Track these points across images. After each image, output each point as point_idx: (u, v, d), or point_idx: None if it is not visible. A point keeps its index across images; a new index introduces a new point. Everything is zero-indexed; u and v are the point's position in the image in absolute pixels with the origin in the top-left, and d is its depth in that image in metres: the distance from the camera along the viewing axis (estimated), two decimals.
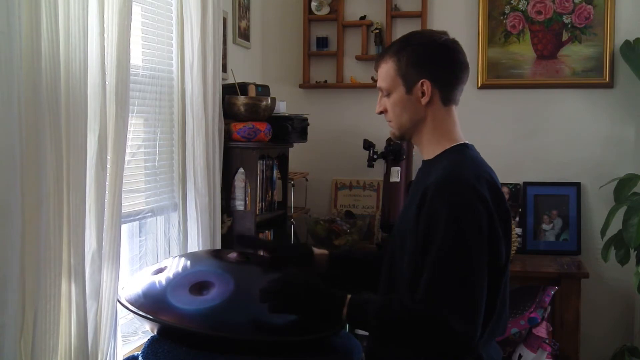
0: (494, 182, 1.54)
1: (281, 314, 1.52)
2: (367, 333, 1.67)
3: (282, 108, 2.97)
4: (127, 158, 1.95)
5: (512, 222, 3.30)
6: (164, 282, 1.64)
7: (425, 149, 1.64)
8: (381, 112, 1.67)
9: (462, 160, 1.56)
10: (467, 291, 1.41)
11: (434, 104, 1.59)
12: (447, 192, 1.47)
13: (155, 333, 1.64)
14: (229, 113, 2.67)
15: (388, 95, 1.63)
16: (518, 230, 3.33)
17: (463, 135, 1.65)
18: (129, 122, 1.92)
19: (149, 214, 2.26)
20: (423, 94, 1.58)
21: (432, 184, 1.50)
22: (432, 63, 1.59)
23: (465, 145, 1.62)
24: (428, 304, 1.42)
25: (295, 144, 3.10)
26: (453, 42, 1.62)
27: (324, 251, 1.85)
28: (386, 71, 1.62)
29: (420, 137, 1.63)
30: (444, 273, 1.43)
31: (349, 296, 1.51)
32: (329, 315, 1.52)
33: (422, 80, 1.57)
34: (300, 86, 3.64)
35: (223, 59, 2.78)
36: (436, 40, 1.61)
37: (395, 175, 3.12)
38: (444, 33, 1.64)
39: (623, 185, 3.09)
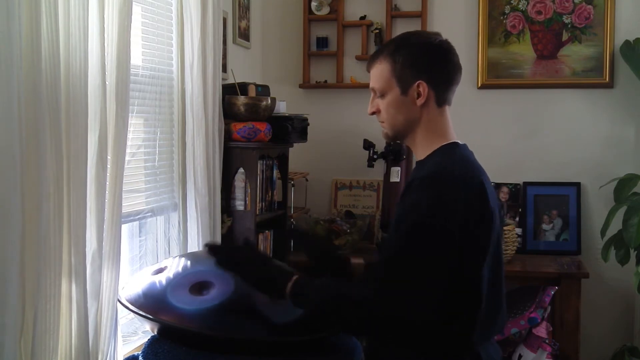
0: (480, 180, 1.52)
1: (226, 271, 1.56)
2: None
3: (282, 108, 2.97)
4: (127, 158, 1.95)
5: (512, 222, 3.33)
6: (164, 282, 1.64)
7: (419, 150, 1.64)
8: (373, 113, 1.66)
9: (451, 158, 1.56)
10: (415, 283, 1.39)
11: (429, 105, 1.59)
12: (429, 187, 1.46)
13: (156, 333, 1.64)
14: (229, 113, 2.67)
15: (382, 96, 1.63)
16: (518, 230, 3.33)
17: (458, 135, 1.64)
18: (129, 122, 1.93)
19: (149, 214, 2.27)
20: (419, 95, 1.58)
21: (416, 178, 1.51)
22: (429, 64, 1.59)
23: (455, 144, 1.62)
24: (377, 293, 1.41)
25: (295, 144, 3.10)
26: (447, 43, 1.62)
27: (360, 261, 1.84)
28: (380, 72, 1.62)
29: (414, 138, 1.63)
30: (395, 263, 1.42)
31: (297, 275, 1.51)
32: (274, 285, 1.51)
33: (418, 82, 1.57)
34: (300, 86, 3.64)
35: (223, 59, 2.78)
36: (432, 42, 1.61)
37: (395, 175, 3.12)
38: (438, 34, 1.64)
39: (623, 185, 3.09)
